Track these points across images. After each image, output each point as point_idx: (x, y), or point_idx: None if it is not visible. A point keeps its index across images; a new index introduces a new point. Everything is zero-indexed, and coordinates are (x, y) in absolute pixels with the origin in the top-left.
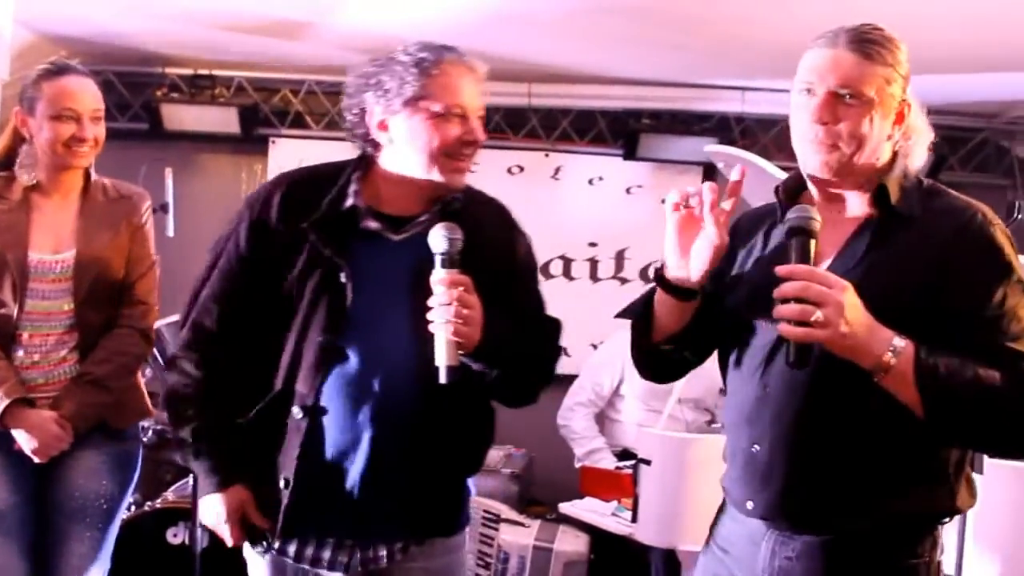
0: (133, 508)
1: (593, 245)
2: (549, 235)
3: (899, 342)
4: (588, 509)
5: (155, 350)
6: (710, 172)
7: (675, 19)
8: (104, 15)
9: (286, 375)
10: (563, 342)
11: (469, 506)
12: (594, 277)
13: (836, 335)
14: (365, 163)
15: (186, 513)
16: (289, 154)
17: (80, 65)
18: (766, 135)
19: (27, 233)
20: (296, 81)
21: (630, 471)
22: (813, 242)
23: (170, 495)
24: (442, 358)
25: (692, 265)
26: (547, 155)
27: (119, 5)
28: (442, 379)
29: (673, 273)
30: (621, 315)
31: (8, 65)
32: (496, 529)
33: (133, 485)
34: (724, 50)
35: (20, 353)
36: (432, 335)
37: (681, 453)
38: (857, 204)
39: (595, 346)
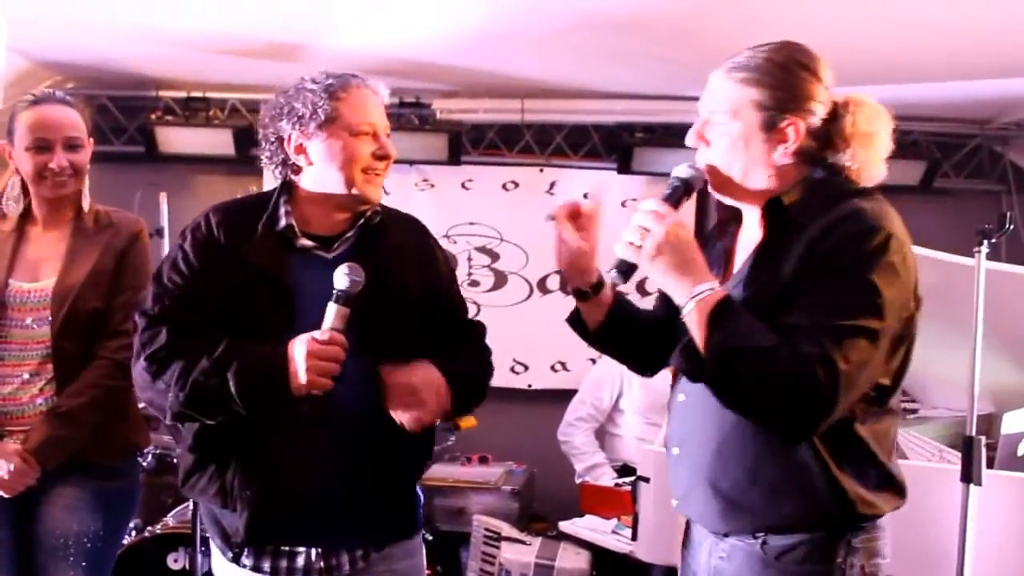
0: (134, 533)
1: None
2: (546, 250)
3: (702, 288)
4: (588, 527)
5: None
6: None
7: (665, 33)
8: (98, 41)
9: None
10: (562, 357)
11: (421, 513)
12: None
13: (648, 260)
14: (288, 188)
15: (186, 538)
16: None
17: (67, 93)
18: None
19: (10, 262)
20: None
21: (629, 488)
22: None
23: (170, 520)
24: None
25: (569, 270)
26: (542, 170)
27: (113, 31)
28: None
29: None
30: (568, 320)
31: (1, 93)
32: (497, 547)
33: (129, 524)
34: (714, 63)
35: None
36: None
37: None
38: (756, 218)
39: (594, 361)
